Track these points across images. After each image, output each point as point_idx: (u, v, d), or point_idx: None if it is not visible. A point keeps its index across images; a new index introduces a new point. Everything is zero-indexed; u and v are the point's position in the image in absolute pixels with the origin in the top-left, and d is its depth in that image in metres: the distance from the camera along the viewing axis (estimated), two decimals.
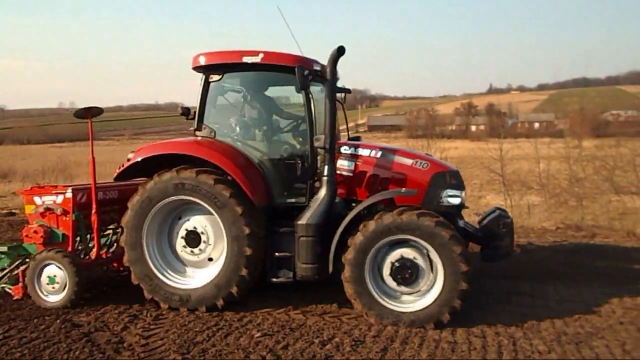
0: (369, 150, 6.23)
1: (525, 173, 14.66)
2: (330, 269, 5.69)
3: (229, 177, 5.86)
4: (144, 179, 6.28)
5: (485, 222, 6.24)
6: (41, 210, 6.36)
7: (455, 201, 6.01)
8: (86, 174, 23.63)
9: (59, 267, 5.95)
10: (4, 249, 6.53)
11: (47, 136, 74.84)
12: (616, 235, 10.15)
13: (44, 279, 6.03)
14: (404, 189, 5.94)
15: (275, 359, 4.71)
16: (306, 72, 5.80)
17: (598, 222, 11.10)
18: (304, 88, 5.90)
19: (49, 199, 6.33)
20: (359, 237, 5.49)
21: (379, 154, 6.18)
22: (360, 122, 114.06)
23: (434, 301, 5.39)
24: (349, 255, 5.52)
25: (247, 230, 5.75)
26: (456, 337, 5.19)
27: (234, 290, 5.86)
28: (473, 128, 73.34)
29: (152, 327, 5.55)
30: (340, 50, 5.75)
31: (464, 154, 25.37)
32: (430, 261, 5.47)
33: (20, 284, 6.21)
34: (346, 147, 6.22)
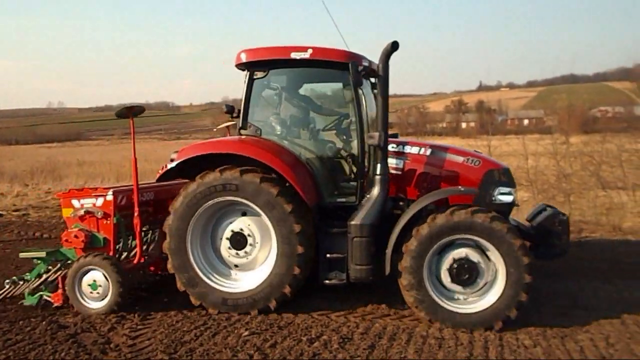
0: (418, 148, 6.16)
1: (514, 169, 14.75)
2: (388, 270, 5.51)
3: (274, 176, 5.70)
4: (179, 179, 6.45)
5: (539, 219, 6.04)
6: (80, 213, 6.13)
7: (508, 199, 5.90)
8: (76, 174, 23.68)
9: (101, 273, 5.81)
10: (42, 254, 6.31)
11: (36, 136, 74.32)
12: (602, 229, 10.24)
13: (86, 285, 5.87)
14: (462, 187, 5.88)
15: (262, 358, 4.71)
16: (360, 68, 5.76)
17: (585, 217, 11.19)
18: (358, 85, 5.79)
19: (88, 202, 6.12)
20: (412, 243, 5.33)
21: (428, 152, 6.12)
22: None
23: (499, 298, 5.25)
24: (405, 262, 5.36)
25: (297, 228, 5.62)
26: (443, 333, 5.22)
27: (287, 290, 5.70)
28: (464, 125, 73.54)
29: (139, 327, 5.53)
30: (394, 46, 5.57)
31: None
32: (487, 259, 5.35)
33: (60, 291, 6.02)
34: (394, 145, 6.09)
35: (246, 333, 5.24)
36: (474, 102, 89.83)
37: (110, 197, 6.04)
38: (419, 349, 4.84)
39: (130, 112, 6.07)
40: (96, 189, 6.28)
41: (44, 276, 6.23)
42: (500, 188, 5.91)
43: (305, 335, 5.19)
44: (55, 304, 6.04)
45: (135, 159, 6.16)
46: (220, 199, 5.75)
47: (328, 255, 5.78)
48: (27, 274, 6.40)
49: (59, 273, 6.17)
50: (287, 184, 5.70)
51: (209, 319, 5.69)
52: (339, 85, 6.42)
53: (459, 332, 5.22)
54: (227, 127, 7.39)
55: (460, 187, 5.88)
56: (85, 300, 5.90)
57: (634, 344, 4.91)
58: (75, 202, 6.17)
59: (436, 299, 5.35)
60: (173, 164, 6.01)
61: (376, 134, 5.65)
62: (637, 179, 13.12)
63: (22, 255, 6.54)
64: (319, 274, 5.83)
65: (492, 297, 5.30)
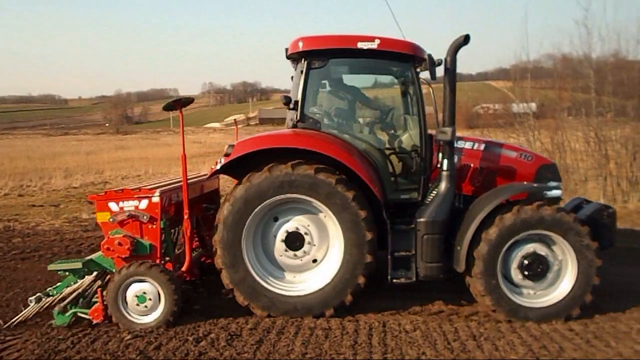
0: (472, 143, 6.15)
1: None
2: (463, 267, 5.40)
3: (343, 176, 5.39)
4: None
5: (587, 212, 5.95)
6: (120, 218, 5.47)
7: (557, 193, 5.99)
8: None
9: (151, 283, 5.27)
10: (77, 265, 5.55)
11: None
12: None
13: (132, 297, 5.28)
14: (550, 183, 5.99)
15: None
16: (437, 60, 5.62)
17: None
18: (433, 77, 5.67)
19: (129, 205, 5.46)
20: (494, 232, 5.30)
21: (482, 147, 6.13)
22: (251, 115, 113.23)
23: (574, 286, 5.33)
24: (482, 250, 5.32)
25: (369, 236, 5.40)
26: (331, 323, 5.34)
27: (348, 298, 5.48)
28: None
29: (7, 338, 5.09)
30: (467, 39, 5.48)
31: None
32: (552, 251, 5.44)
33: (99, 306, 5.34)
34: (460, 142, 6.08)
35: (128, 337, 5.01)
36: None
37: (156, 199, 5.45)
38: (306, 340, 4.91)
39: (179, 104, 5.51)
40: (139, 189, 5.60)
41: (77, 290, 5.56)
42: (551, 183, 6.07)
43: (192, 334, 5.07)
44: (95, 321, 5.39)
45: (185, 155, 5.59)
46: (285, 195, 5.41)
47: (396, 254, 5.59)
48: (51, 288, 5.69)
49: (95, 286, 5.57)
50: (352, 183, 5.42)
51: (87, 325, 5.37)
52: (391, 78, 6.24)
53: (346, 322, 5.37)
54: (235, 120, 7.17)
55: (534, 184, 5.95)
56: (131, 315, 5.32)
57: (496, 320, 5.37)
58: (113, 206, 5.48)
59: (505, 290, 5.38)
60: (231, 158, 5.49)
61: (448, 129, 5.56)
62: None
63: (52, 267, 5.71)
64: (388, 273, 5.61)
65: (565, 286, 5.40)
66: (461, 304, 5.96)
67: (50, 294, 5.63)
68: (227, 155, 5.52)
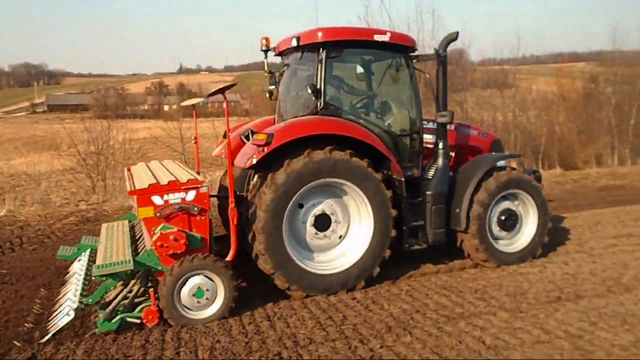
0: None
1: (206, 150, 15.27)
2: (464, 226, 6.32)
3: (369, 159, 5.83)
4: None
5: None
6: (169, 211, 5.08)
7: (503, 163, 6.90)
8: None
9: (207, 277, 5.10)
10: (129, 267, 4.91)
11: None
12: None
13: (188, 294, 5.05)
14: (508, 152, 7.60)
15: None
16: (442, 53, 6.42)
17: None
18: (444, 66, 6.47)
19: (174, 197, 5.12)
20: (483, 195, 6.36)
21: (452, 128, 7.01)
22: (37, 101, 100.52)
23: (531, 240, 6.68)
24: (476, 211, 6.33)
25: (394, 213, 5.97)
26: (119, 335, 5.01)
27: (376, 270, 5.98)
28: (166, 108, 72.77)
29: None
30: (457, 36, 6.48)
31: (157, 134, 24.85)
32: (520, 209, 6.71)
33: (152, 307, 4.98)
34: (430, 123, 6.73)
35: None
36: (175, 84, 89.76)
37: (204, 189, 5.24)
38: (90, 348, 4.54)
39: (223, 90, 5.27)
40: (188, 180, 5.21)
41: (121, 294, 5.07)
42: (499, 154, 7.20)
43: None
44: (150, 324, 4.99)
45: (229, 140, 5.61)
46: (326, 180, 5.66)
47: (411, 225, 6.19)
48: (86, 298, 5.02)
49: (139, 287, 5.13)
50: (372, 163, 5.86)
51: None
52: (395, 67, 6.57)
53: (134, 327, 5.05)
54: (194, 105, 7.10)
55: (505, 152, 7.65)
56: (188, 312, 5.08)
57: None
58: (156, 199, 5.08)
59: (493, 242, 6.52)
60: (274, 146, 5.41)
61: (447, 113, 6.32)
62: None
63: (98, 273, 4.89)
64: (404, 241, 6.17)
65: (530, 232, 6.71)
66: (261, 285, 6.06)
67: (86, 302, 4.97)
68: (268, 144, 5.42)
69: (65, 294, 5.58)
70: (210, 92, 5.57)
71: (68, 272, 6.48)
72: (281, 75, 6.94)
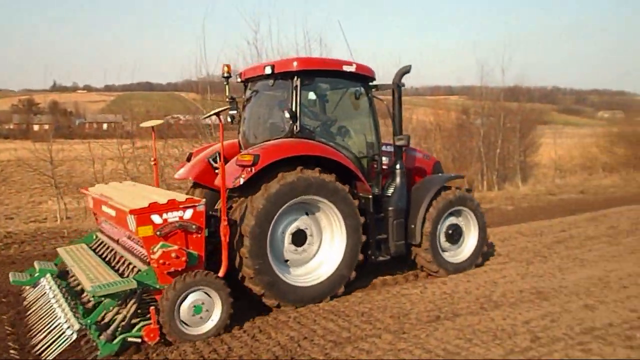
0: None
1: (79, 174, 14.27)
2: (419, 240, 7.01)
3: (336, 176, 6.23)
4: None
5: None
6: (169, 229, 5.15)
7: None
8: None
9: (204, 292, 5.19)
10: (133, 285, 4.92)
11: None
12: None
13: (187, 310, 5.11)
14: (453, 174, 9.18)
15: None
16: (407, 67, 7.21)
17: None
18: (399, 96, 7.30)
19: (174, 216, 5.19)
20: (434, 212, 7.05)
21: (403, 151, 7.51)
22: None
23: (474, 250, 7.53)
24: (427, 228, 7.02)
25: (362, 221, 6.46)
26: None
27: (352, 274, 6.45)
28: (36, 127, 67.02)
29: None
30: (410, 69, 7.17)
31: (24, 156, 22.66)
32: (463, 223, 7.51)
33: (154, 325, 4.87)
34: (385, 146, 7.31)
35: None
36: (47, 102, 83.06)
37: (202, 207, 5.40)
38: None
39: (219, 114, 5.45)
40: (185, 200, 5.36)
41: (120, 314, 4.99)
42: (446, 175, 8.24)
43: None
44: (151, 342, 4.93)
45: (224, 164, 5.55)
46: (303, 197, 6.03)
47: (377, 237, 6.78)
48: (84, 318, 4.95)
49: (136, 307, 5.06)
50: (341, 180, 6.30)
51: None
52: (357, 95, 6.97)
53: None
54: (153, 127, 7.32)
55: (451, 174, 9.46)
56: (188, 328, 5.16)
57: None
58: (155, 218, 5.16)
59: (442, 254, 7.26)
60: (261, 166, 5.74)
61: (404, 136, 7.15)
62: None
63: (101, 293, 4.79)
64: (371, 253, 6.73)
65: (472, 243, 7.55)
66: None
67: (84, 324, 4.89)
68: (255, 164, 5.69)
69: (42, 317, 5.53)
70: (205, 115, 5.90)
71: (22, 297, 6.56)
72: (247, 100, 7.20)
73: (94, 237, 7.08)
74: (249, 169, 5.72)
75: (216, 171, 6.38)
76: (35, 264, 6.65)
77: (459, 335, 5.03)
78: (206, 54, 19.35)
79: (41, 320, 5.49)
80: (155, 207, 5.17)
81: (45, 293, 6.01)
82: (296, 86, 6.38)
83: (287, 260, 6.26)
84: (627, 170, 23.22)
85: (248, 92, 7.23)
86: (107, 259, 6.24)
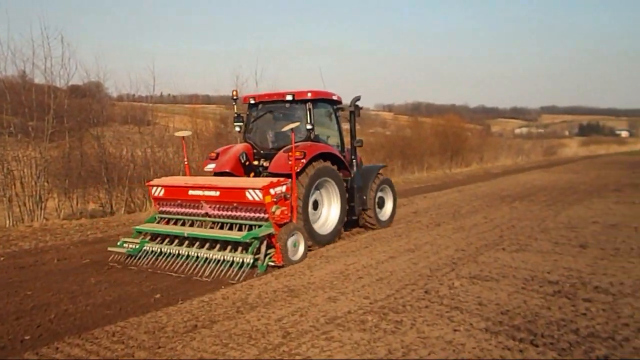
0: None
1: None
2: (368, 206, 11.05)
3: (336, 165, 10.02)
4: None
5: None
6: (276, 198, 8.09)
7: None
8: None
9: (297, 234, 8.44)
10: (270, 230, 8.04)
11: None
12: None
13: (290, 245, 8.25)
14: (381, 164, 14.36)
15: None
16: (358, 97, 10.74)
17: None
18: (356, 115, 10.82)
19: (280, 189, 8.18)
20: (375, 187, 11.22)
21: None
22: None
23: (391, 212, 11.97)
24: (372, 198, 11.11)
25: (347, 195, 10.26)
26: None
27: (346, 217, 10.33)
28: None
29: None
30: (360, 98, 10.63)
31: None
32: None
33: (278, 252, 8.04)
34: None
35: None
36: None
37: (290, 184, 8.38)
38: None
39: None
40: (279, 180, 8.30)
41: (262, 248, 7.99)
42: (379, 164, 13.02)
43: None
44: (279, 264, 7.97)
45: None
46: (323, 178, 9.55)
47: (350, 204, 10.50)
48: (244, 253, 7.73)
49: (264, 243, 8.09)
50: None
51: None
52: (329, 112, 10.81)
53: None
54: (183, 137, 10.52)
55: (379, 164, 13.64)
56: (292, 255, 8.25)
57: None
58: (272, 191, 8.05)
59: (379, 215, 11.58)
60: (309, 158, 9.15)
61: (359, 140, 10.79)
62: None
63: (251, 236, 7.88)
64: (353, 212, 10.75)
65: (389, 207, 11.91)
66: None
67: (243, 257, 7.64)
68: (304, 157, 8.95)
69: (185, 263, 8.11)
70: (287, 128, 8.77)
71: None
72: (256, 117, 10.50)
73: (155, 218, 9.39)
74: (301, 161, 8.82)
75: (247, 163, 9.91)
76: (129, 238, 8.86)
77: (215, 342, 5.04)
78: None
79: (182, 266, 8.04)
80: (271, 184, 8.09)
81: (166, 252, 8.40)
82: (310, 108, 9.79)
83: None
84: None
85: (258, 111, 10.49)
86: (193, 225, 8.87)
